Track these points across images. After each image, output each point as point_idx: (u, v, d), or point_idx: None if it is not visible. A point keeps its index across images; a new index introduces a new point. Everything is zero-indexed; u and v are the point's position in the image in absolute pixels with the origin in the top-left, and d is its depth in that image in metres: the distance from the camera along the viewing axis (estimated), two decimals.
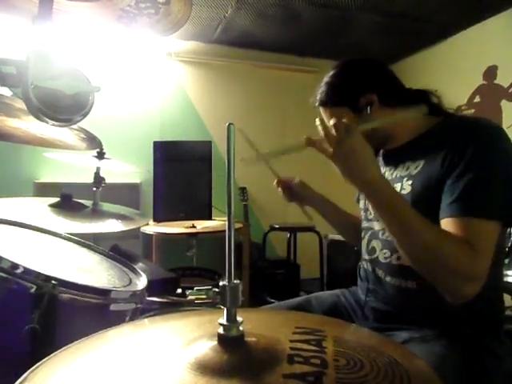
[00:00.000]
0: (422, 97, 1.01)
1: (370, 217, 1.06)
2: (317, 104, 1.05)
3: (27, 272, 0.70)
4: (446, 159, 0.85)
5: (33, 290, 0.69)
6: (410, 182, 0.92)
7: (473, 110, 3.18)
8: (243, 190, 3.45)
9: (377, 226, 1.02)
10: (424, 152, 0.93)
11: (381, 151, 1.12)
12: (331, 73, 1.04)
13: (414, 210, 0.79)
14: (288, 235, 3.39)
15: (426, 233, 0.78)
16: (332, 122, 0.81)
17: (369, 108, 0.98)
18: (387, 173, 1.04)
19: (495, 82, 3.03)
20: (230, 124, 0.47)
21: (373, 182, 0.80)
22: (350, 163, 0.81)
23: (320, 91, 1.04)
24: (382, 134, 1.01)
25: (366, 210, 1.08)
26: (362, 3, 2.78)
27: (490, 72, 3.05)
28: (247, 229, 3.16)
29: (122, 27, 0.88)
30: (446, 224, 0.81)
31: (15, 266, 0.70)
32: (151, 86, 3.42)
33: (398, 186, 0.95)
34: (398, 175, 0.98)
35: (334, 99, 1.02)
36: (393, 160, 1.03)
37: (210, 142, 3.18)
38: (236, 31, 3.31)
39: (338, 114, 0.99)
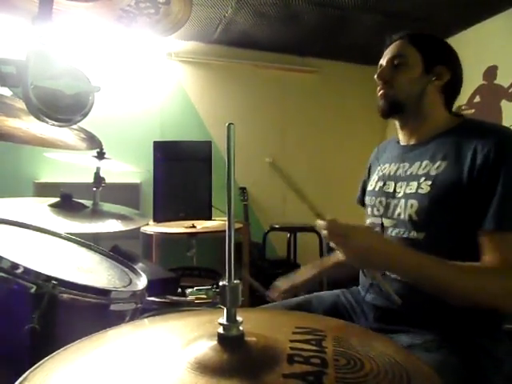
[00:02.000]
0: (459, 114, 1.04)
1: (377, 213, 1.05)
2: (401, 35, 1.04)
3: (27, 272, 0.70)
4: (474, 165, 0.85)
5: (33, 290, 0.69)
6: (429, 183, 0.91)
7: (473, 110, 3.18)
8: (243, 190, 3.45)
9: (384, 222, 1.02)
10: (445, 152, 0.93)
11: (396, 146, 1.11)
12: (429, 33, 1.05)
13: (441, 261, 0.81)
14: (288, 235, 3.39)
15: (464, 280, 0.80)
16: (325, 232, 0.83)
17: (434, 78, 0.99)
18: (400, 169, 1.03)
19: (495, 82, 3.03)
20: (229, 124, 0.47)
21: (391, 263, 0.83)
22: (356, 257, 0.83)
23: (409, 31, 1.04)
24: (419, 109, 1.00)
25: (373, 206, 1.07)
26: (362, 3, 2.78)
27: (490, 72, 3.05)
28: (247, 229, 3.16)
29: (122, 27, 0.88)
30: (487, 236, 0.84)
31: (15, 265, 0.70)
32: (151, 86, 3.42)
33: (413, 185, 0.95)
34: (414, 173, 0.97)
35: (421, 44, 1.01)
36: (409, 157, 1.02)
37: (210, 141, 3.18)
38: (236, 31, 3.31)
39: (411, 55, 1.01)
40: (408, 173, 0.99)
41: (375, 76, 1.04)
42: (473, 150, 0.87)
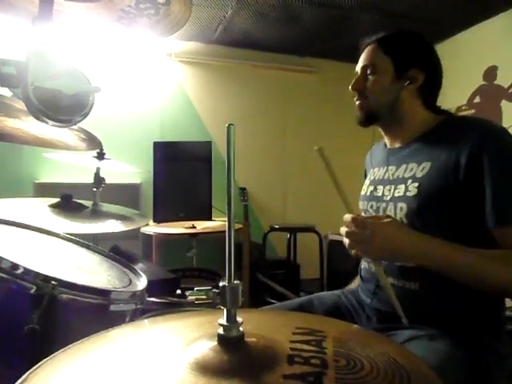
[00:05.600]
0: (443, 112, 1.02)
1: None
2: (370, 41, 1.02)
3: (27, 272, 0.70)
4: (459, 164, 0.84)
5: (33, 291, 0.69)
6: (416, 185, 0.91)
7: (473, 110, 3.18)
8: (243, 190, 3.45)
9: None
10: (429, 153, 0.92)
11: (383, 149, 1.11)
12: (406, 31, 1.02)
13: (464, 249, 0.79)
14: (288, 235, 3.39)
15: (491, 268, 0.78)
16: (347, 217, 0.83)
17: (407, 82, 0.97)
18: (388, 172, 1.03)
19: (495, 82, 3.03)
20: (229, 125, 0.47)
21: (414, 254, 0.82)
22: (383, 254, 0.83)
23: (381, 33, 1.01)
24: (396, 114, 0.99)
25: (366, 210, 1.08)
26: (362, 3, 2.78)
27: (490, 72, 3.05)
28: (247, 229, 3.16)
29: (122, 28, 0.88)
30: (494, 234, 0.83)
31: (15, 266, 0.70)
32: (151, 87, 3.42)
33: (401, 188, 0.94)
34: (401, 176, 0.97)
35: (391, 48, 0.99)
36: (395, 159, 1.03)
37: (210, 142, 3.19)
38: (236, 32, 3.31)
39: (381, 63, 0.99)
40: (395, 176, 0.99)
41: (349, 87, 1.03)
42: (456, 148, 0.86)
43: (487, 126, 0.88)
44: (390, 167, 1.03)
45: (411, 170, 0.95)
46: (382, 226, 0.82)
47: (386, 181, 1.02)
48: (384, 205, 0.99)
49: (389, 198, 0.98)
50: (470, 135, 0.86)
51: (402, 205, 0.93)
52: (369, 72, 1.00)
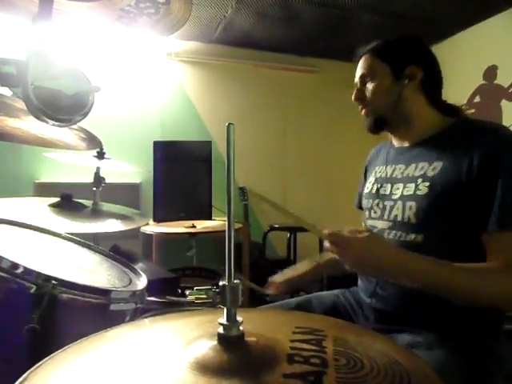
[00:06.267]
0: (451, 110, 1.02)
1: (375, 215, 1.05)
2: (364, 52, 1.04)
3: (27, 272, 0.70)
4: (472, 165, 0.84)
5: (33, 290, 0.69)
6: (426, 184, 0.90)
7: (473, 110, 3.18)
8: (243, 189, 3.45)
9: (380, 225, 1.02)
10: (441, 153, 0.92)
11: (391, 147, 1.11)
12: (397, 37, 1.04)
13: (448, 265, 0.78)
14: (288, 235, 3.39)
15: (473, 284, 0.77)
16: (327, 233, 0.81)
17: (407, 80, 0.98)
18: (396, 171, 1.02)
19: (495, 82, 3.03)
20: (229, 124, 0.47)
21: (393, 269, 0.80)
22: (362, 269, 0.82)
23: (374, 43, 1.04)
24: (402, 113, 1.00)
25: (370, 208, 1.07)
26: (362, 3, 2.78)
27: (490, 72, 3.05)
28: (247, 229, 3.16)
29: (122, 27, 0.88)
30: (489, 237, 0.82)
31: (15, 265, 0.70)
32: (151, 86, 3.42)
33: (411, 186, 0.94)
34: (411, 174, 0.97)
35: (384, 53, 1.01)
36: (404, 158, 1.02)
37: (210, 141, 3.18)
38: (236, 31, 3.31)
39: (377, 68, 1.01)
40: (404, 174, 0.99)
41: (352, 98, 1.05)
42: (469, 150, 0.85)
43: (501, 130, 0.89)
44: (399, 165, 1.02)
45: (422, 168, 0.94)
46: (360, 242, 0.78)
47: (395, 179, 1.02)
48: (391, 203, 0.99)
49: (398, 196, 0.98)
50: (484, 137, 0.86)
51: (411, 203, 0.92)
52: (367, 80, 1.03)
